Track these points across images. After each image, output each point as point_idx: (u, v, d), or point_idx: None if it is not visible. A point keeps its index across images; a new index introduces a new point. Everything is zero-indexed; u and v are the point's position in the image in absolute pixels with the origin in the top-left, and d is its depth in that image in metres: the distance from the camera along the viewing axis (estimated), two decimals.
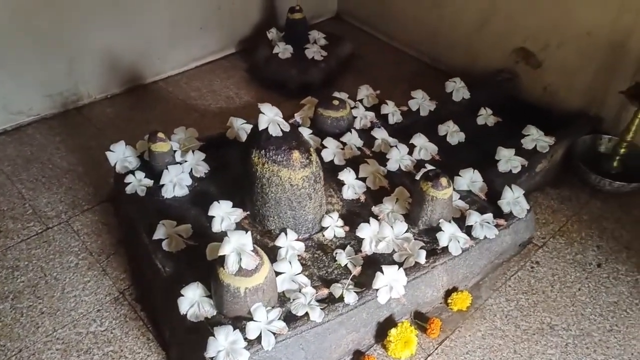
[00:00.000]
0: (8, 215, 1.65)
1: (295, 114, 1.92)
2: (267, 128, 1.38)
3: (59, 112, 2.11)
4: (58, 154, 1.91)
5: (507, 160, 1.71)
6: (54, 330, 1.35)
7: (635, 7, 1.70)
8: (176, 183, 1.58)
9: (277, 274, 1.29)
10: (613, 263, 1.55)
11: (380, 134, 1.83)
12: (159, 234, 1.40)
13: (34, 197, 1.73)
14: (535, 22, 1.99)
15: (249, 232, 1.17)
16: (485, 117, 1.95)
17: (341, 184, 1.62)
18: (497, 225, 1.47)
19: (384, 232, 1.44)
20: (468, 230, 1.46)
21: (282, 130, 1.38)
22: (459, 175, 1.62)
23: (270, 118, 1.39)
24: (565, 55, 1.95)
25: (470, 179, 1.63)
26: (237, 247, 1.15)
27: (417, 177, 1.61)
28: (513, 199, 1.54)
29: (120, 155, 1.64)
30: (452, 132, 1.88)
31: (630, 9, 1.71)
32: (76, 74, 2.10)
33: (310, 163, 1.40)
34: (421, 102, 1.99)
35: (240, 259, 1.15)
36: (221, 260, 1.16)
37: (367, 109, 1.96)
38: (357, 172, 1.65)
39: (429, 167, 1.63)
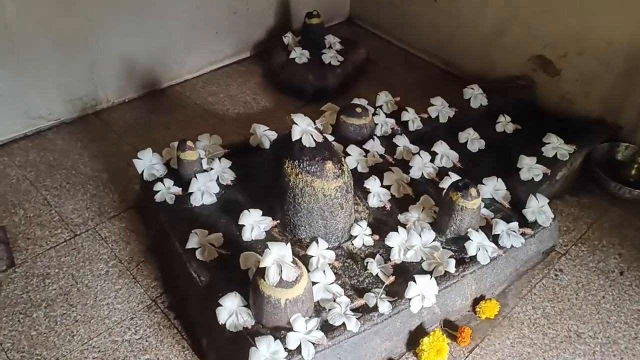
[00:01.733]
0: (35, 222, 1.66)
1: (316, 121, 1.93)
2: (300, 139, 1.39)
3: (78, 117, 2.11)
4: (81, 160, 1.91)
5: (529, 168, 1.73)
6: (90, 338, 1.36)
7: None
8: (204, 191, 1.59)
9: (313, 283, 1.31)
10: (635, 271, 1.58)
11: (401, 141, 1.85)
12: (192, 243, 1.42)
13: (60, 203, 1.73)
14: (554, 30, 2.01)
15: (289, 244, 1.19)
16: (504, 124, 1.98)
17: (367, 192, 1.64)
18: (523, 234, 1.50)
19: (412, 240, 1.46)
20: (495, 239, 1.48)
21: (315, 140, 1.39)
22: (483, 184, 1.65)
23: (304, 128, 1.41)
24: (584, 63, 1.97)
25: (494, 187, 1.65)
26: (277, 259, 1.17)
27: (441, 185, 1.64)
28: (538, 207, 1.56)
29: (147, 162, 1.65)
30: (473, 140, 1.90)
31: None
32: (96, 78, 2.10)
33: (342, 173, 1.41)
34: (440, 108, 2.00)
35: (281, 270, 1.16)
36: (261, 271, 1.18)
37: (387, 115, 1.98)
38: (381, 179, 1.67)
39: (452, 175, 1.65)
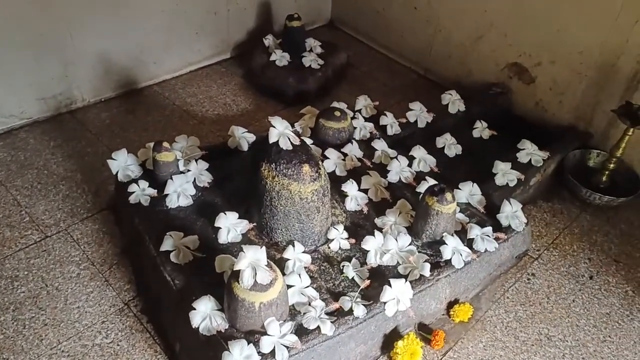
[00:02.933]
0: (4, 223, 1.62)
1: (295, 124, 1.93)
2: (277, 141, 1.39)
3: (52, 116, 2.07)
4: (53, 160, 1.87)
5: (504, 173, 1.76)
6: (59, 342, 1.33)
7: (624, 30, 1.78)
8: (180, 193, 1.57)
9: (288, 287, 1.31)
10: (604, 275, 1.62)
11: (380, 145, 1.87)
12: (167, 245, 1.40)
13: (31, 204, 1.69)
14: (530, 39, 2.06)
15: (264, 248, 1.18)
16: (481, 130, 2.01)
17: (344, 195, 1.65)
18: (496, 239, 1.52)
19: (388, 244, 1.47)
20: (469, 243, 1.50)
21: (292, 143, 1.39)
22: (459, 188, 1.67)
23: (281, 131, 1.40)
24: (557, 72, 2.02)
25: (470, 192, 1.67)
26: (252, 262, 1.16)
27: (418, 189, 1.66)
28: (511, 212, 1.59)
29: (122, 163, 1.62)
30: (450, 145, 1.93)
31: (621, 32, 1.79)
32: (71, 77, 2.06)
33: (319, 177, 1.41)
34: (419, 113, 2.02)
35: (256, 273, 1.16)
36: (235, 274, 1.17)
37: (365, 119, 1.99)
38: (358, 183, 1.68)
39: (429, 179, 1.67)
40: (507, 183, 1.75)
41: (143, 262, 1.48)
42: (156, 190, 1.57)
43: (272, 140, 1.39)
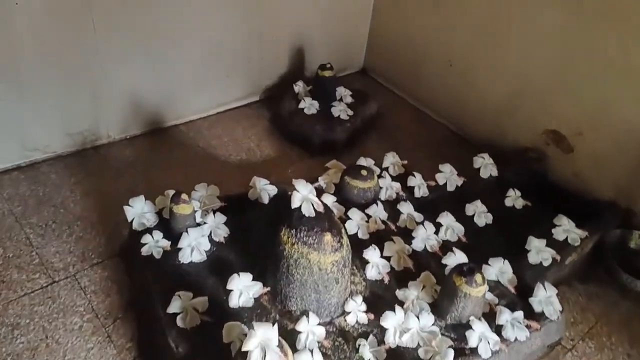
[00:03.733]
0: (13, 264, 1.57)
1: (319, 178, 1.87)
2: (300, 206, 1.32)
3: (76, 151, 2.05)
4: (72, 197, 1.84)
5: (538, 251, 1.65)
6: None
7: None
8: (194, 247, 1.50)
9: None
10: None
11: (406, 208, 1.78)
12: (174, 307, 1.32)
13: (43, 244, 1.65)
14: (571, 107, 1.97)
15: (276, 327, 1.10)
16: (514, 199, 1.90)
17: (365, 262, 1.55)
18: (528, 327, 1.40)
19: (409, 322, 1.36)
20: (498, 329, 1.39)
21: (315, 210, 1.32)
22: (488, 264, 1.56)
23: (304, 196, 1.33)
24: (599, 143, 1.91)
25: (500, 269, 1.56)
26: (262, 342, 1.08)
27: (444, 261, 1.56)
28: (545, 298, 1.47)
29: (139, 210, 1.57)
30: (480, 213, 1.83)
31: None
32: (99, 113, 2.05)
33: (341, 247, 1.33)
34: (449, 176, 1.94)
35: (265, 355, 1.07)
36: (243, 355, 1.08)
37: (392, 178, 1.91)
38: (381, 249, 1.59)
39: (457, 251, 1.57)
40: (540, 262, 1.63)
41: (148, 320, 1.41)
42: (170, 242, 1.51)
43: (294, 205, 1.32)
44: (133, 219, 1.55)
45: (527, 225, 1.75)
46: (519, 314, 1.42)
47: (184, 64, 2.20)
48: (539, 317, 1.44)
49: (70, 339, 1.39)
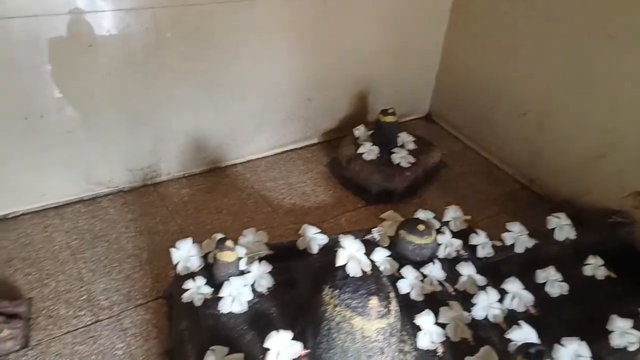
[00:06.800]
0: (63, 299, 1.59)
1: (373, 230, 1.76)
2: (345, 265, 1.22)
3: (136, 187, 2.10)
4: (126, 234, 1.86)
5: (622, 333, 1.42)
6: None
7: None
8: (235, 297, 1.44)
9: None
10: None
11: (466, 269, 1.61)
12: None
13: (92, 280, 1.66)
14: None
15: None
16: (594, 267, 1.68)
17: (417, 328, 1.41)
18: None
19: None
20: None
21: (362, 270, 1.21)
22: (561, 344, 1.36)
23: (351, 254, 1.24)
24: None
25: (575, 351, 1.35)
26: None
27: (508, 335, 1.37)
28: None
29: (185, 253, 1.54)
30: (553, 281, 1.62)
31: None
32: (160, 151, 2.10)
33: (388, 313, 1.21)
34: (518, 236, 1.75)
35: None
36: None
37: (453, 234, 1.76)
38: (436, 314, 1.44)
39: (524, 325, 1.38)
40: (625, 346, 1.40)
41: None
42: (212, 290, 1.46)
43: (339, 263, 1.23)
44: (178, 263, 1.53)
45: (609, 301, 1.52)
46: None
47: (245, 106, 2.21)
48: None
49: None
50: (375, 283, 1.22)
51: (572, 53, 1.97)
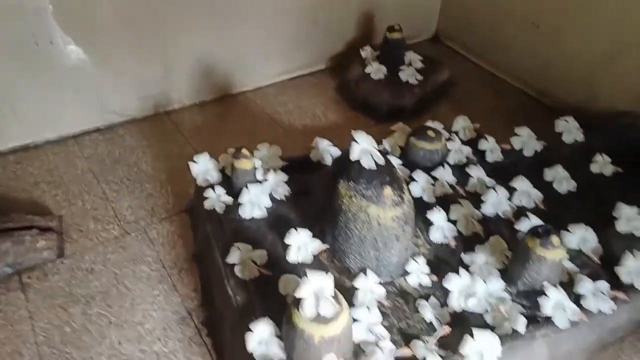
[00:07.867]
0: (91, 215, 1.67)
1: (384, 140, 1.79)
2: (359, 159, 1.27)
3: (149, 115, 2.14)
4: (144, 158, 1.92)
5: (629, 219, 1.47)
6: (119, 343, 1.31)
7: None
8: (255, 203, 1.51)
9: (354, 320, 1.17)
10: None
11: (476, 172, 1.66)
12: (233, 257, 1.33)
13: (117, 199, 1.74)
14: None
15: (330, 275, 1.06)
16: (602, 164, 1.71)
17: (429, 224, 1.47)
18: (614, 298, 1.26)
19: (475, 287, 1.27)
20: (577, 299, 1.25)
21: (375, 162, 1.26)
22: (568, 231, 1.42)
23: (365, 148, 1.28)
24: None
25: (582, 236, 1.41)
26: (315, 291, 1.05)
27: (517, 227, 1.44)
28: (636, 268, 1.31)
29: (203, 167, 1.60)
30: (561, 179, 1.66)
31: None
32: (171, 79, 2.12)
33: (402, 202, 1.27)
34: (526, 140, 1.78)
35: (318, 303, 1.04)
36: (296, 302, 1.06)
37: (463, 142, 1.79)
38: (447, 212, 1.50)
39: (532, 217, 1.44)
40: (631, 232, 1.45)
41: (210, 271, 1.43)
42: (232, 198, 1.53)
43: (353, 157, 1.27)
44: (197, 175, 1.59)
45: (616, 194, 1.56)
46: (604, 284, 1.27)
47: (252, 31, 2.21)
48: (628, 288, 1.29)
49: (139, 285, 1.46)
50: (389, 174, 1.27)
51: None
